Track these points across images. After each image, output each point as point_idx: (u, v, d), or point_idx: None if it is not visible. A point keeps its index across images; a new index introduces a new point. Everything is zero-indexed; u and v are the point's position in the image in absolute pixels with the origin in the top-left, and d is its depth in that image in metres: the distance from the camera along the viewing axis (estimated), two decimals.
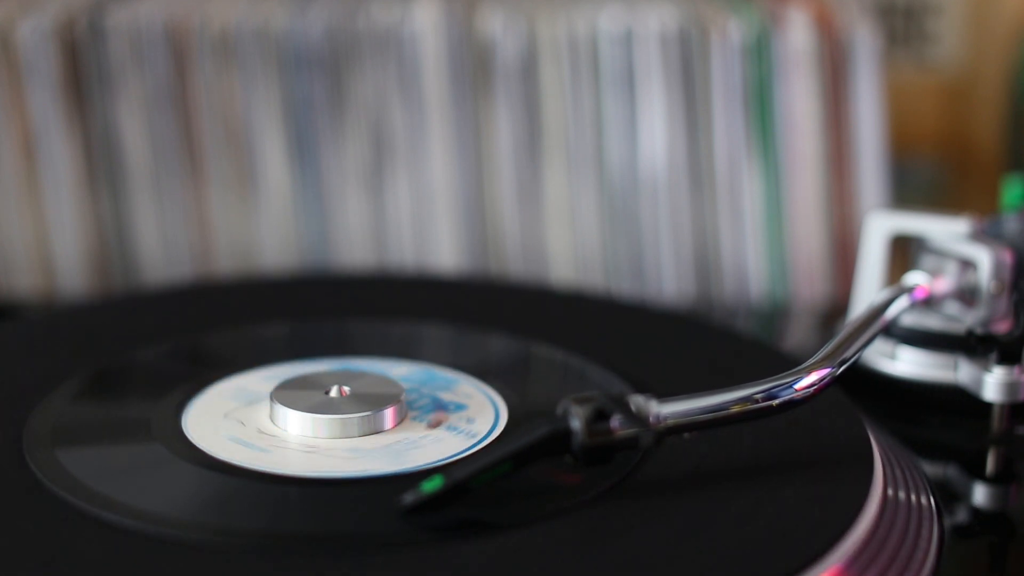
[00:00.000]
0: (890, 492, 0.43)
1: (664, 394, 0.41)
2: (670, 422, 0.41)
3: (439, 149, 0.72)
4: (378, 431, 0.45)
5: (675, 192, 0.72)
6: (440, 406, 0.47)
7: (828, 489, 0.41)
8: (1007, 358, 0.50)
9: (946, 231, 0.54)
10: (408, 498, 0.39)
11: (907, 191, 0.85)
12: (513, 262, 0.73)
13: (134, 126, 0.72)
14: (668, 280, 0.72)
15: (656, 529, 0.39)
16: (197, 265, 0.73)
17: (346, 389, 0.46)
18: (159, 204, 0.72)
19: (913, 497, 0.44)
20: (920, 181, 0.90)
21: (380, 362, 0.51)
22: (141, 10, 0.71)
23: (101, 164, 0.72)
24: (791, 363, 0.44)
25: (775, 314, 0.72)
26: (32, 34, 0.70)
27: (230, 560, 0.37)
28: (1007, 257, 0.52)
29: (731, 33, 0.70)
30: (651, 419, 0.40)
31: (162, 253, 0.73)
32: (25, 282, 0.72)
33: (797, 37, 0.70)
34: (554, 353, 0.53)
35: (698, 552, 0.38)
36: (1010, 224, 0.54)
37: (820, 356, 0.44)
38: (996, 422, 0.51)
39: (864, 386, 0.54)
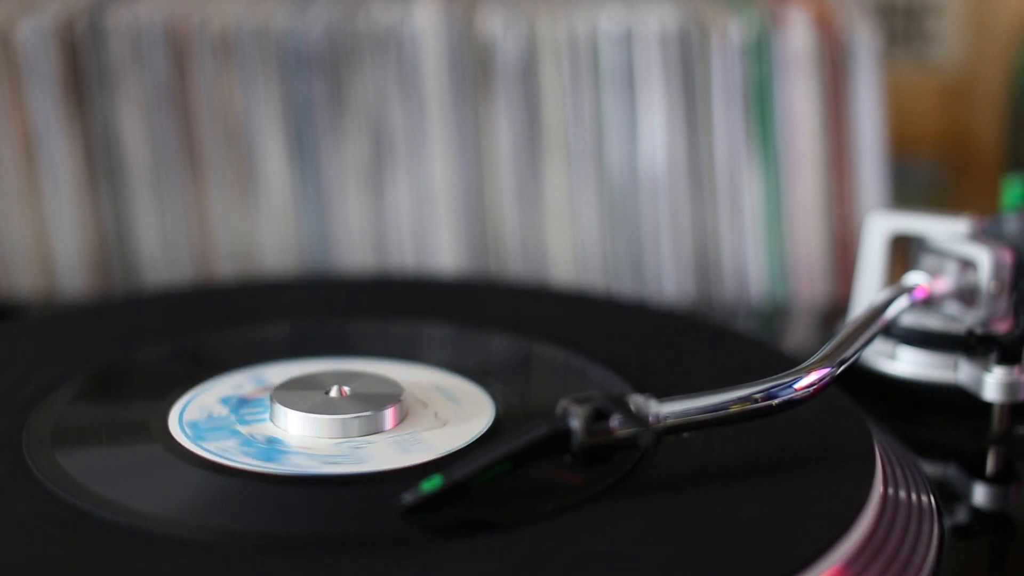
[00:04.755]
0: (890, 492, 0.43)
1: (664, 394, 0.41)
2: (669, 421, 0.41)
3: (439, 149, 0.72)
4: (378, 431, 0.45)
5: (675, 192, 0.72)
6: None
7: (828, 489, 0.41)
8: (1007, 358, 0.50)
9: (946, 231, 0.54)
10: (407, 497, 0.39)
11: (907, 191, 0.85)
12: (513, 262, 0.73)
13: (134, 126, 0.72)
14: (668, 280, 0.72)
15: (656, 529, 0.39)
16: (197, 266, 0.73)
17: (346, 389, 0.46)
18: (159, 204, 0.72)
19: (913, 497, 0.44)
20: (920, 181, 0.90)
21: (380, 362, 0.51)
22: (141, 10, 0.71)
23: (101, 164, 0.72)
24: (791, 363, 0.44)
25: (775, 314, 0.72)
26: (32, 34, 0.70)
27: (230, 560, 0.37)
28: (1007, 257, 0.52)
29: (731, 33, 0.70)
30: (650, 418, 0.40)
31: (162, 253, 0.73)
32: (25, 282, 0.72)
33: (797, 37, 0.70)
34: (554, 353, 0.53)
35: (698, 552, 0.38)
36: (1010, 224, 0.54)
37: (820, 356, 0.44)
38: (996, 422, 0.51)
39: (864, 386, 0.54)
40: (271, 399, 0.46)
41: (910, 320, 0.53)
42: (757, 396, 0.42)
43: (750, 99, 0.71)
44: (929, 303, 0.53)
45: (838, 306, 0.68)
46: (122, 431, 0.45)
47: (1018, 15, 0.87)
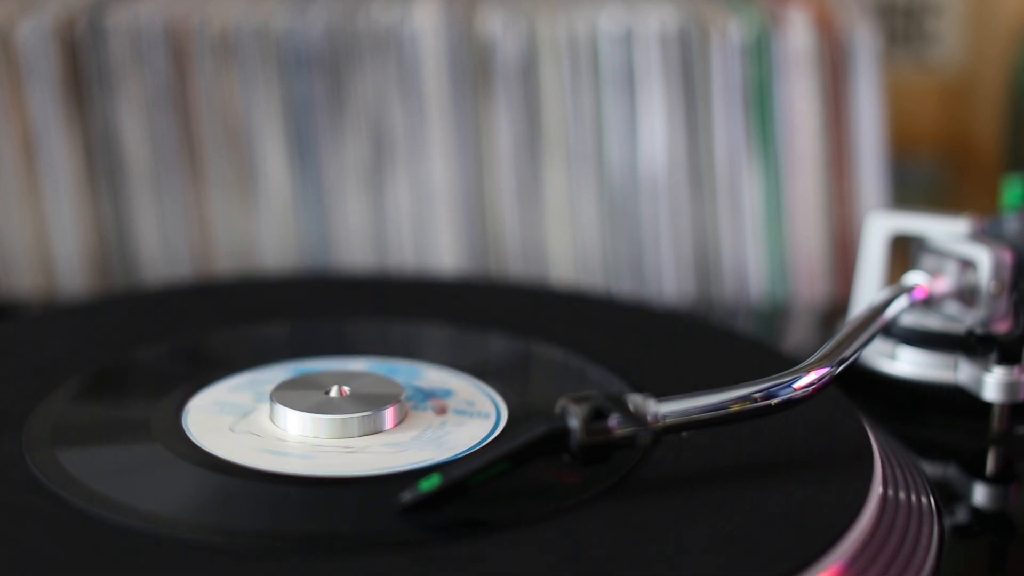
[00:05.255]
0: (890, 492, 0.43)
1: (663, 394, 0.41)
2: (668, 421, 0.41)
3: (439, 149, 0.72)
4: (378, 431, 0.45)
5: (675, 192, 0.72)
6: (430, 395, 0.48)
7: (828, 489, 0.41)
8: (1007, 358, 0.50)
9: (946, 231, 0.54)
10: (406, 497, 0.39)
11: (907, 191, 0.85)
12: (513, 262, 0.73)
13: (134, 126, 0.72)
14: (668, 280, 0.72)
15: (655, 529, 0.39)
16: (197, 265, 0.73)
17: (346, 389, 0.46)
18: (159, 204, 0.72)
19: (913, 497, 0.44)
20: (920, 181, 0.90)
21: (380, 362, 0.51)
22: (141, 10, 0.71)
23: (101, 164, 0.72)
24: (790, 363, 0.44)
25: (775, 314, 0.72)
26: (32, 34, 0.70)
27: (230, 560, 0.37)
28: (1007, 257, 0.52)
29: (731, 33, 0.70)
30: (649, 418, 0.40)
31: (162, 253, 0.73)
32: (25, 282, 0.72)
33: (797, 37, 0.70)
34: (554, 353, 0.53)
35: (697, 552, 0.38)
36: (1010, 224, 0.54)
37: (819, 355, 0.44)
38: (996, 422, 0.51)
39: (864, 386, 0.54)
40: (271, 399, 0.46)
41: (910, 320, 0.53)
42: (756, 395, 0.42)
43: (750, 99, 0.71)
44: (929, 303, 0.53)
45: (838, 306, 0.68)
46: (122, 431, 0.45)
47: (1018, 15, 0.87)
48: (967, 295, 0.53)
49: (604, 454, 0.40)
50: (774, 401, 0.42)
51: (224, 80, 0.71)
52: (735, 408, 0.42)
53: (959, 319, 0.53)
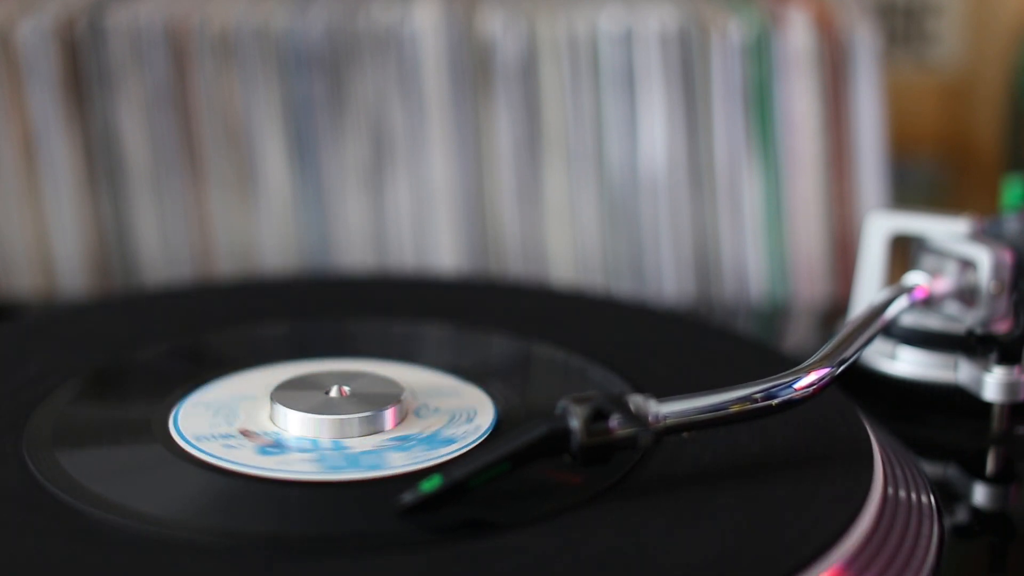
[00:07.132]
0: (890, 492, 0.43)
1: (664, 394, 0.41)
2: (669, 421, 0.41)
3: (439, 149, 0.72)
4: (378, 431, 0.45)
5: (675, 192, 0.72)
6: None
7: (828, 489, 0.41)
8: (1007, 358, 0.50)
9: (946, 231, 0.54)
10: (407, 497, 0.39)
11: (907, 191, 0.85)
12: (513, 262, 0.73)
13: (134, 126, 0.72)
14: (668, 280, 0.72)
15: (655, 529, 0.39)
16: (197, 265, 0.73)
17: (346, 389, 0.46)
18: (159, 204, 0.72)
19: (913, 497, 0.44)
20: (920, 181, 0.90)
21: (379, 362, 0.51)
22: (141, 10, 0.71)
23: (101, 164, 0.72)
24: (791, 363, 0.44)
25: (775, 314, 0.72)
26: (32, 34, 0.70)
27: (230, 560, 0.37)
28: (1007, 257, 0.52)
29: (731, 33, 0.70)
30: (650, 418, 0.40)
31: (162, 253, 0.73)
32: (25, 282, 0.72)
33: (797, 37, 0.70)
34: (554, 353, 0.53)
35: (697, 552, 0.38)
36: (1010, 224, 0.54)
37: (819, 356, 0.44)
38: (996, 422, 0.51)
39: (864, 386, 0.54)
40: (271, 399, 0.46)
41: (910, 320, 0.53)
42: (757, 396, 0.42)
43: (750, 99, 0.71)
44: (929, 303, 0.53)
45: (838, 306, 0.68)
46: (122, 431, 0.45)
47: (1018, 15, 0.88)
48: (967, 295, 0.53)
49: (605, 455, 0.40)
50: (775, 401, 0.42)
51: (224, 80, 0.71)
52: (736, 409, 0.42)
53: (959, 319, 0.53)
